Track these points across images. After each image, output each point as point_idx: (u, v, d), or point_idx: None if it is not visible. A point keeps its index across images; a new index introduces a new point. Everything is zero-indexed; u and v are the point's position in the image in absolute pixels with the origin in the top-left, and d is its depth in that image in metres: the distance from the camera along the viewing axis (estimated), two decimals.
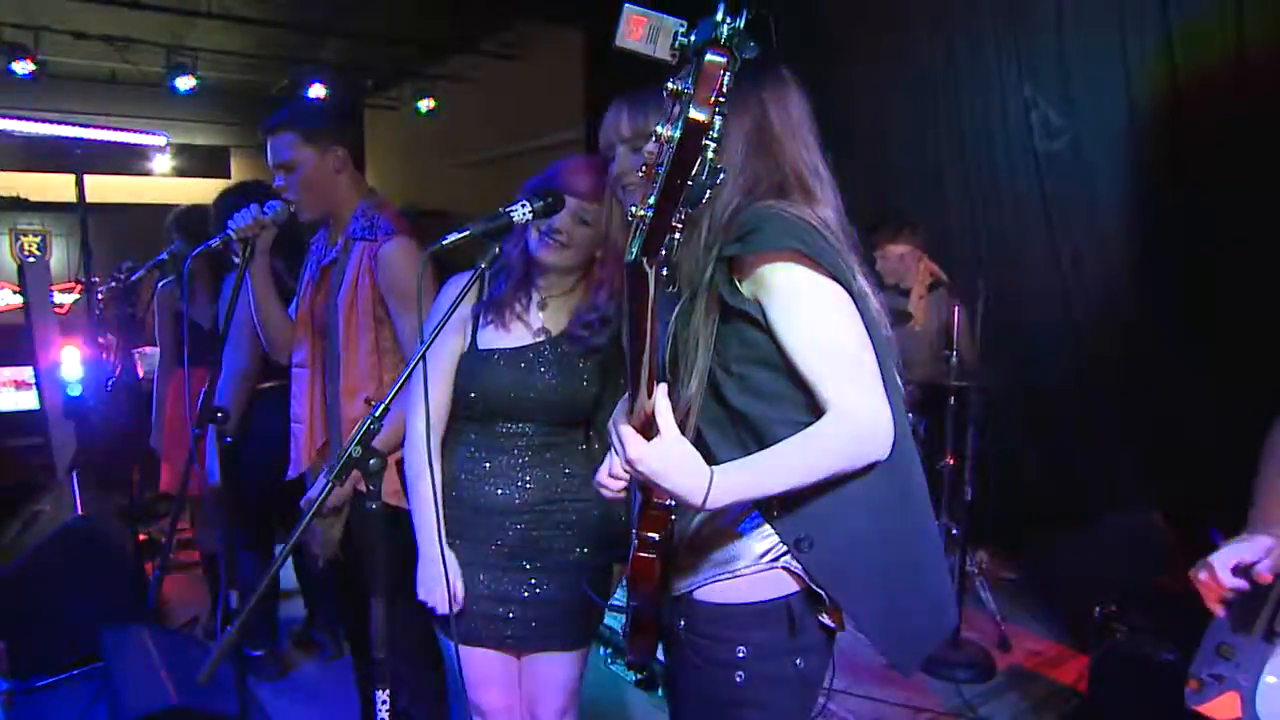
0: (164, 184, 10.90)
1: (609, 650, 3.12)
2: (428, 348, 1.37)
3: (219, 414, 2.09)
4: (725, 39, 0.88)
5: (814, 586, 1.25)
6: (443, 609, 1.69)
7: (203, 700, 2.18)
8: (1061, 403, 3.92)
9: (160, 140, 10.38)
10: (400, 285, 2.03)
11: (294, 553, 2.57)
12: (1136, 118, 3.57)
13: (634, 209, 0.95)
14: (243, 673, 2.24)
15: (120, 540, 3.40)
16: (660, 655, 1.48)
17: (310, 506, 1.40)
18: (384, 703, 1.38)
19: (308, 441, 2.21)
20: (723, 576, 1.29)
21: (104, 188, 9.51)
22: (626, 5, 1.16)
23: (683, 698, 1.39)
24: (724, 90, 0.87)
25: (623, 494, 1.40)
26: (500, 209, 1.47)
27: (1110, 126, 3.66)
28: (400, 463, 1.84)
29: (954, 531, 3.39)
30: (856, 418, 1.17)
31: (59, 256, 10.39)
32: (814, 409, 1.20)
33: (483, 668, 1.80)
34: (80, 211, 4.56)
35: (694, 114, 0.87)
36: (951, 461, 3.43)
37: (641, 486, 1.22)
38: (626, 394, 1.15)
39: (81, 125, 8.81)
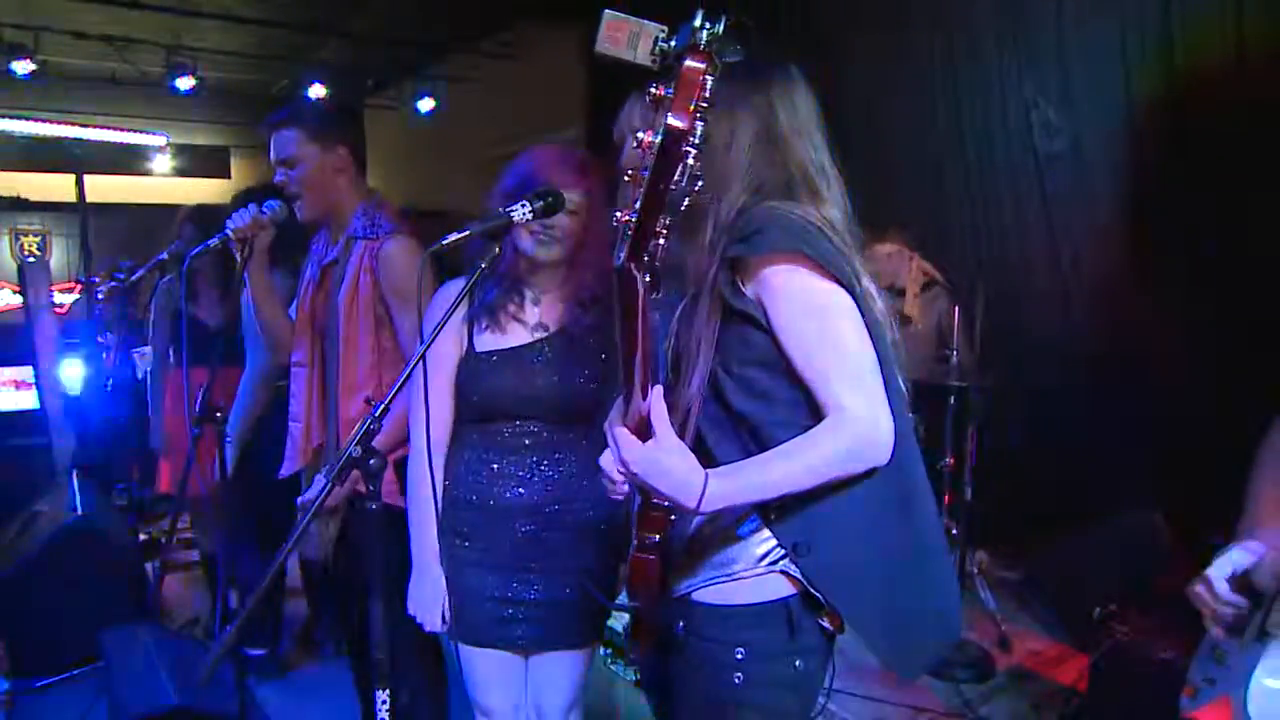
0: (164, 184, 10.91)
1: (609, 650, 3.11)
2: (428, 347, 1.37)
3: (218, 413, 2.09)
4: (705, 44, 0.88)
5: (812, 591, 1.24)
6: (432, 626, 1.70)
7: (203, 700, 2.18)
8: (1061, 403, 3.91)
9: (160, 140, 10.42)
10: (401, 284, 2.03)
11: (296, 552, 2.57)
12: (1136, 118, 3.57)
13: (618, 214, 0.96)
14: (243, 673, 2.25)
15: (120, 540, 3.40)
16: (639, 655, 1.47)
17: (309, 507, 1.40)
18: (384, 702, 1.38)
19: (304, 440, 2.21)
20: (721, 579, 1.28)
21: (104, 188, 9.52)
22: (606, 11, 1.16)
23: (681, 699, 1.38)
24: (705, 96, 0.88)
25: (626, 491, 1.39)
26: (500, 209, 1.47)
27: (1110, 126, 3.66)
28: (399, 462, 1.85)
29: (954, 531, 3.39)
30: (857, 422, 1.16)
31: (59, 256, 10.40)
32: (815, 412, 1.20)
33: (488, 669, 1.81)
34: (80, 211, 4.56)
35: (673, 121, 0.88)
36: (951, 461, 3.43)
37: (640, 488, 1.21)
38: (621, 396, 1.15)
39: (81, 125, 8.83)
